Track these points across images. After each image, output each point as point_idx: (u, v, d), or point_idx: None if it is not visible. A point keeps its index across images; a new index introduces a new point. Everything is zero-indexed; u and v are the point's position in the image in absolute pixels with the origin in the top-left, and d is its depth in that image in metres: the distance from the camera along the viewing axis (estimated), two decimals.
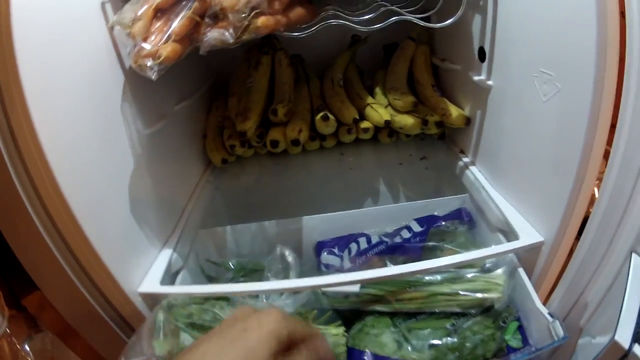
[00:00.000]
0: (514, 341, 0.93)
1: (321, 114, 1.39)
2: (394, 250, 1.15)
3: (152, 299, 0.96)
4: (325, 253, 1.20)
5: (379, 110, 1.39)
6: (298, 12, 1.02)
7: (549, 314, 0.88)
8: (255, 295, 0.94)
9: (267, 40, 1.45)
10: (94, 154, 0.87)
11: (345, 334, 0.95)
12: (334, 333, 0.93)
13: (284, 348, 0.61)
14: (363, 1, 1.29)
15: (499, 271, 0.97)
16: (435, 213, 1.24)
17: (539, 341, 0.90)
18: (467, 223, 1.20)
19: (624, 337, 0.67)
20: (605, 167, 0.75)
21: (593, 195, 0.81)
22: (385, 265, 0.98)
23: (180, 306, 0.92)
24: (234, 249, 1.27)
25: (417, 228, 1.20)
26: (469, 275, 0.97)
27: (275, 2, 0.93)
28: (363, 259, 1.14)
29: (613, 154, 0.73)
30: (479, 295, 0.94)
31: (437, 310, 0.96)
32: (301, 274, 1.01)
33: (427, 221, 1.21)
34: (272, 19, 0.91)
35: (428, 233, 1.18)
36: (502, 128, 1.13)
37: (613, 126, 0.73)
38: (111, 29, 0.94)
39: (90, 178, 0.85)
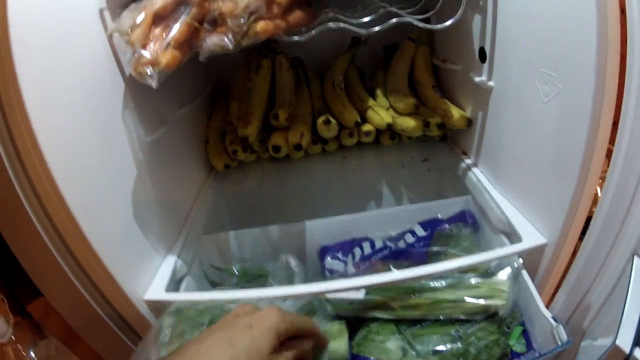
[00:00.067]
0: (518, 346, 0.93)
1: (323, 118, 1.39)
2: (398, 256, 1.15)
3: (158, 306, 0.96)
4: (329, 258, 1.20)
5: (380, 113, 1.39)
6: (297, 15, 1.01)
7: (553, 318, 0.88)
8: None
9: (267, 43, 1.45)
10: (96, 161, 0.87)
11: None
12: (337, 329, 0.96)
13: (282, 341, 0.71)
14: (362, 2, 1.28)
15: (504, 277, 0.97)
16: (439, 216, 1.24)
17: (543, 345, 0.90)
18: (471, 225, 1.20)
19: (625, 341, 0.67)
20: (608, 166, 0.74)
21: (596, 194, 0.81)
22: (389, 271, 0.98)
23: (187, 309, 0.91)
24: (237, 254, 1.27)
25: (421, 232, 1.20)
26: (473, 281, 0.97)
27: (273, 6, 0.93)
28: (367, 264, 1.14)
29: (615, 154, 0.72)
30: (483, 302, 0.94)
31: (441, 318, 0.96)
32: (305, 280, 1.01)
33: (431, 225, 1.21)
34: (271, 23, 0.91)
35: (432, 237, 1.18)
36: (503, 129, 1.12)
37: (615, 123, 0.73)
38: (110, 37, 0.94)
39: (92, 184, 0.85)
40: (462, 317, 0.94)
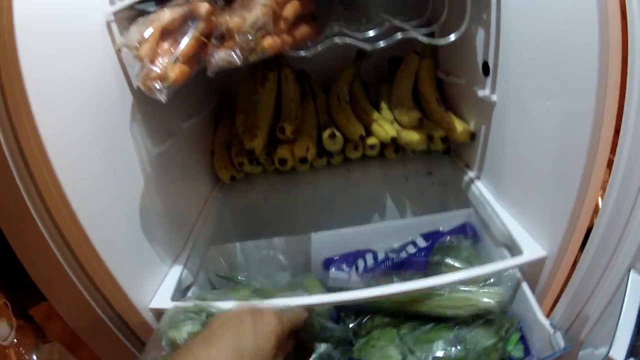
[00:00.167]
0: (516, 352, 0.94)
1: (328, 131, 1.40)
2: (400, 267, 1.16)
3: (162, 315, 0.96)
4: (333, 269, 1.21)
5: (384, 127, 1.40)
6: (303, 30, 1.02)
7: (551, 324, 0.89)
8: None
9: (273, 56, 1.46)
10: (103, 170, 0.89)
11: None
12: None
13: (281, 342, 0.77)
14: (367, 16, 1.30)
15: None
16: (440, 228, 1.25)
17: (541, 351, 0.91)
18: (472, 237, 1.21)
19: (618, 353, 0.68)
20: (609, 175, 0.75)
21: (597, 205, 0.82)
22: (391, 282, 0.99)
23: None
24: (243, 266, 1.28)
25: (422, 243, 1.21)
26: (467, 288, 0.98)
27: (280, 21, 0.94)
28: (370, 276, 1.15)
29: (616, 164, 0.73)
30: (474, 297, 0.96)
31: (430, 313, 0.98)
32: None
33: (433, 236, 1.22)
34: (278, 39, 0.92)
35: (433, 248, 1.18)
36: (506, 142, 1.13)
37: (617, 131, 0.74)
38: (118, 50, 0.95)
39: (99, 193, 0.87)
40: (452, 314, 0.96)
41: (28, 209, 0.76)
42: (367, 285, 0.96)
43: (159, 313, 0.96)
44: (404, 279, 0.97)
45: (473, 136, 1.32)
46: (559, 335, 0.86)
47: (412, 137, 1.37)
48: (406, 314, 1.01)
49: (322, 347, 0.97)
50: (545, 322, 0.90)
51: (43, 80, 0.75)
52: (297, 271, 1.23)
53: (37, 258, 0.82)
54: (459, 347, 0.91)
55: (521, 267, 1.01)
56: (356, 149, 1.46)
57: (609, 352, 0.68)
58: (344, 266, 1.21)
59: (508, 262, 0.99)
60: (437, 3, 1.24)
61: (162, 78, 0.86)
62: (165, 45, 0.90)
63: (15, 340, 0.93)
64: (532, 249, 0.97)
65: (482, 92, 1.18)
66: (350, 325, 1.04)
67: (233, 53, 0.88)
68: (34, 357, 0.96)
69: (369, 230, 1.29)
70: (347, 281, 1.16)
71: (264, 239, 1.28)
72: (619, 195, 0.73)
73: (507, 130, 1.12)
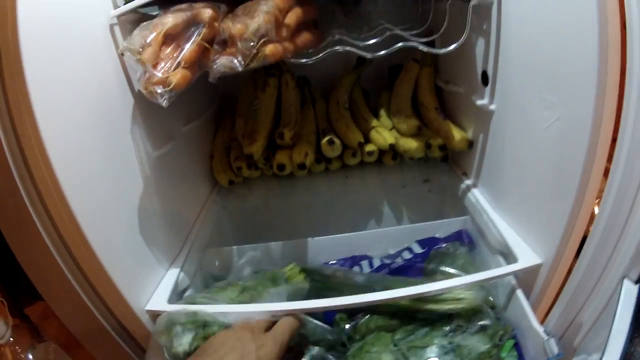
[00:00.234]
0: (510, 358, 0.94)
1: (327, 138, 1.41)
2: (396, 274, 1.16)
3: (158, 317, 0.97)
4: None
5: (383, 134, 1.41)
6: (305, 37, 1.03)
7: (545, 331, 0.90)
8: None
9: (274, 63, 1.46)
10: (103, 172, 0.89)
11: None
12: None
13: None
14: (368, 24, 1.30)
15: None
16: (437, 235, 1.26)
17: (535, 358, 0.92)
18: (467, 245, 1.22)
19: None
20: (605, 184, 0.76)
21: (593, 213, 0.82)
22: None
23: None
24: (240, 269, 1.28)
25: (418, 249, 1.22)
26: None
27: (282, 29, 0.94)
28: None
29: (613, 173, 0.74)
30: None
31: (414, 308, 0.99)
32: None
33: (429, 243, 1.23)
34: (280, 46, 0.93)
35: (429, 254, 1.19)
36: (503, 152, 1.14)
37: (614, 140, 0.74)
38: (121, 54, 0.96)
39: (99, 195, 0.88)
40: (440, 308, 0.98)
41: (27, 209, 0.76)
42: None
43: (155, 315, 0.97)
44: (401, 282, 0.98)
45: (471, 144, 1.33)
46: (552, 342, 0.87)
47: (410, 144, 1.38)
48: (399, 315, 1.02)
49: (315, 350, 0.97)
50: (540, 329, 0.91)
51: (45, 82, 0.75)
52: None
53: (35, 258, 0.82)
54: (453, 354, 0.91)
55: (516, 274, 1.01)
56: (354, 156, 1.47)
57: (601, 359, 0.69)
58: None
59: (503, 269, 1.00)
60: (438, 12, 1.24)
61: (164, 83, 0.86)
62: (168, 50, 0.91)
63: (11, 339, 0.93)
64: (527, 257, 0.98)
65: (481, 101, 1.18)
66: (346, 327, 1.05)
67: (235, 59, 0.88)
68: (30, 357, 0.96)
69: (366, 236, 1.30)
70: None
71: (261, 243, 1.28)
72: (615, 204, 0.74)
73: (504, 139, 1.12)
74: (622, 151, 0.72)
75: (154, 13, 1.03)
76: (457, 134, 1.35)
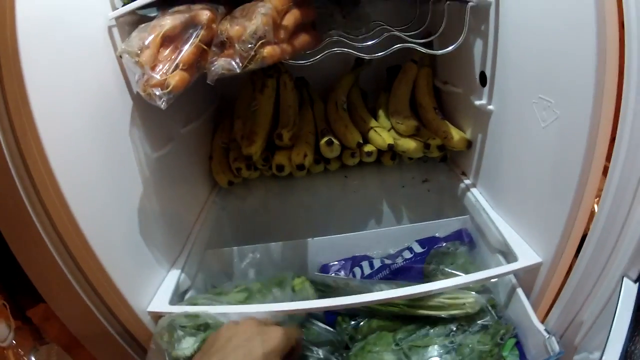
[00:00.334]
0: (511, 357, 0.95)
1: (326, 139, 1.41)
2: (396, 275, 1.16)
3: (160, 318, 0.97)
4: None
5: (382, 134, 1.41)
6: (303, 39, 1.03)
7: (546, 330, 0.90)
8: None
9: (272, 64, 1.46)
10: (102, 174, 0.90)
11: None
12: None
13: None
14: (366, 25, 1.30)
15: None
16: (437, 234, 1.26)
17: (536, 357, 0.92)
18: (467, 244, 1.22)
19: (611, 358, 0.69)
20: (604, 183, 0.76)
21: (592, 211, 0.83)
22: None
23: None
24: (240, 270, 1.28)
25: (418, 249, 1.22)
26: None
27: (280, 30, 0.94)
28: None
29: (611, 171, 0.74)
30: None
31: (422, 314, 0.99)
32: None
33: (429, 242, 1.23)
34: (277, 48, 0.92)
35: (429, 254, 1.19)
36: (502, 151, 1.14)
37: (613, 139, 0.75)
38: (119, 56, 0.96)
39: (99, 197, 0.88)
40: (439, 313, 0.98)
41: (27, 210, 0.77)
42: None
43: (157, 316, 0.97)
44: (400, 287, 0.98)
45: (470, 144, 1.33)
46: (553, 340, 0.87)
47: (409, 144, 1.38)
48: (400, 317, 1.02)
49: (318, 352, 0.97)
50: (540, 328, 0.91)
51: (44, 84, 0.75)
52: None
53: (36, 260, 0.82)
54: (454, 353, 0.92)
55: (516, 273, 1.02)
56: (353, 156, 1.47)
57: (602, 357, 0.69)
58: (342, 274, 1.22)
59: (504, 268, 1.01)
60: (436, 14, 1.25)
61: (162, 85, 0.86)
62: (166, 52, 0.91)
63: (13, 341, 0.93)
64: (527, 256, 0.98)
65: (479, 102, 1.19)
66: (347, 328, 1.05)
67: (233, 61, 0.88)
68: (32, 359, 0.96)
69: (365, 236, 1.30)
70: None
71: (261, 244, 1.28)
72: (614, 202, 0.74)
73: (503, 139, 1.13)
74: (620, 150, 0.72)
75: (152, 15, 1.02)
76: (455, 134, 1.35)
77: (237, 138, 1.48)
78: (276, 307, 0.95)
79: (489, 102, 1.16)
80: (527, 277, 1.00)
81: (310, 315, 1.02)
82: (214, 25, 0.93)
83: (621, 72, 0.71)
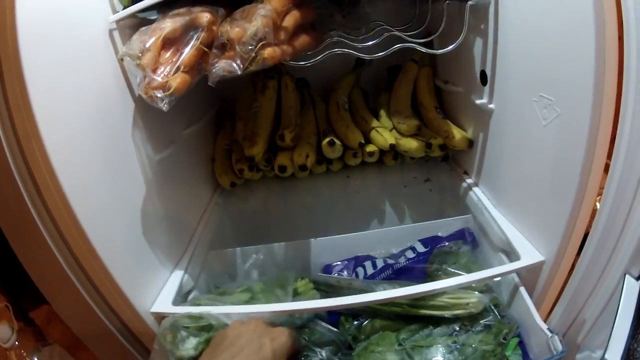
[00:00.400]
0: (514, 356, 0.94)
1: (327, 139, 1.41)
2: (399, 274, 1.16)
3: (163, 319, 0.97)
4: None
5: (384, 134, 1.41)
6: (303, 40, 1.03)
7: (548, 329, 0.90)
8: None
9: (272, 66, 1.46)
10: (105, 176, 0.90)
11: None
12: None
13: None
14: (367, 24, 1.31)
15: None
16: (439, 234, 1.26)
17: (539, 356, 0.92)
18: (470, 243, 1.22)
19: (613, 356, 0.69)
20: (606, 180, 0.76)
21: (594, 209, 0.83)
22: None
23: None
24: (243, 271, 1.29)
25: (421, 249, 1.22)
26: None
27: (280, 32, 0.94)
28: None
29: (613, 169, 0.74)
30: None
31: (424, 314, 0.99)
32: None
33: (431, 242, 1.23)
34: (278, 50, 0.93)
35: (431, 254, 1.20)
36: (503, 150, 1.14)
37: (613, 138, 0.75)
38: (121, 60, 0.96)
39: (101, 199, 0.88)
40: (442, 314, 0.98)
41: (30, 213, 0.77)
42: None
43: (160, 317, 0.97)
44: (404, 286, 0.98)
45: (471, 143, 1.33)
46: (556, 339, 0.87)
47: (411, 144, 1.39)
48: (403, 317, 1.02)
49: (320, 352, 0.97)
50: (543, 327, 0.91)
51: (46, 87, 0.76)
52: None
53: (39, 262, 0.82)
54: (457, 353, 0.92)
55: (519, 272, 1.02)
56: (355, 156, 1.47)
57: (604, 355, 0.69)
58: (345, 274, 1.22)
59: (506, 267, 1.01)
60: (435, 13, 1.25)
61: (163, 87, 0.87)
62: (167, 54, 0.91)
63: (16, 342, 0.94)
64: (530, 254, 0.98)
65: (480, 101, 1.19)
66: (349, 328, 1.05)
67: (233, 63, 0.88)
68: None
69: (368, 237, 1.30)
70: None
71: (263, 245, 1.28)
72: (615, 200, 0.74)
73: (504, 138, 1.13)
74: (621, 148, 0.72)
75: (153, 18, 1.03)
76: (457, 134, 1.36)
77: (239, 139, 1.48)
78: (279, 307, 0.96)
79: (490, 100, 1.16)
80: (529, 276, 1.00)
81: (314, 315, 1.02)
82: (214, 28, 0.93)
83: (620, 70, 0.71)
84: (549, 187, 0.94)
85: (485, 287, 1.02)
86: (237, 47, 0.88)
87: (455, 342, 0.94)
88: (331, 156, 1.46)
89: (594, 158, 0.79)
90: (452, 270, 1.09)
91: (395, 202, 1.53)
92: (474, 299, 0.96)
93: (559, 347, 0.86)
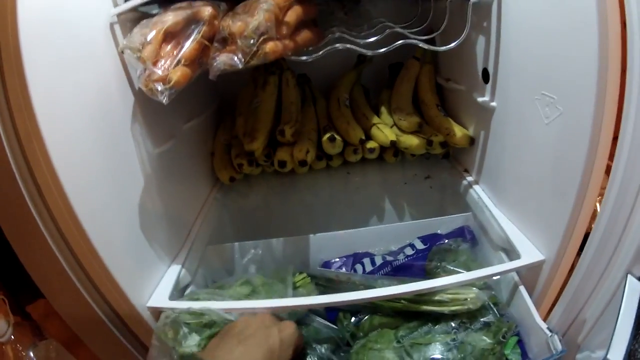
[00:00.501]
0: (513, 355, 0.94)
1: (328, 135, 1.40)
2: (398, 272, 1.16)
3: (160, 314, 0.97)
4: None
5: (384, 131, 1.41)
6: (305, 35, 1.03)
7: (548, 328, 0.90)
8: None
9: (274, 61, 1.46)
10: (103, 170, 0.89)
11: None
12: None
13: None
14: (369, 21, 1.30)
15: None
16: (439, 231, 1.26)
17: (538, 355, 0.92)
18: (470, 241, 1.22)
19: (616, 356, 0.69)
20: (607, 182, 0.76)
21: (595, 210, 0.82)
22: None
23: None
24: (241, 266, 1.28)
25: (420, 246, 1.22)
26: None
27: (282, 27, 0.94)
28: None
29: (614, 170, 0.74)
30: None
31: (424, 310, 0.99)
32: None
33: (431, 239, 1.23)
34: (280, 44, 0.92)
35: (430, 251, 1.19)
36: (505, 148, 1.14)
37: (615, 138, 0.75)
38: (121, 52, 0.96)
39: (100, 193, 0.87)
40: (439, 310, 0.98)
41: (28, 206, 0.76)
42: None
43: (156, 312, 0.97)
44: (402, 283, 0.98)
45: (472, 141, 1.33)
46: (555, 338, 0.87)
47: (412, 141, 1.38)
48: (402, 314, 1.02)
49: (319, 350, 0.97)
50: (543, 326, 0.91)
51: (45, 80, 0.75)
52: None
53: (36, 255, 0.82)
54: (456, 351, 0.91)
55: (519, 271, 1.02)
56: (356, 153, 1.46)
57: (606, 355, 0.69)
58: (344, 270, 1.22)
59: (506, 266, 1.00)
60: (438, 10, 1.25)
61: (164, 80, 0.87)
62: (168, 47, 0.91)
63: (12, 337, 0.93)
64: (530, 253, 0.98)
65: (482, 98, 1.19)
66: (348, 325, 1.05)
67: (235, 57, 0.88)
68: (31, 354, 0.96)
69: (367, 233, 1.30)
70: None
71: (262, 240, 1.28)
72: (617, 201, 0.74)
73: (506, 136, 1.13)
74: (623, 149, 0.72)
75: (154, 12, 1.02)
76: (458, 131, 1.35)
77: (239, 135, 1.48)
78: (278, 303, 0.96)
79: (492, 98, 1.15)
80: (529, 275, 1.00)
81: (311, 311, 1.02)
82: (215, 22, 0.93)
83: (624, 70, 0.71)
84: (550, 186, 0.93)
85: (485, 285, 1.02)
86: (238, 41, 0.88)
87: (454, 339, 0.94)
88: (331, 152, 1.45)
89: (595, 157, 0.79)
90: (451, 268, 1.09)
91: (395, 199, 1.53)
92: (472, 295, 0.96)
93: (559, 346, 0.86)
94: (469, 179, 1.37)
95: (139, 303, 0.95)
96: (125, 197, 0.97)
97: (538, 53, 0.92)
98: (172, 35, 0.92)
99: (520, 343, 0.96)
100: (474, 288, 0.98)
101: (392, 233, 1.28)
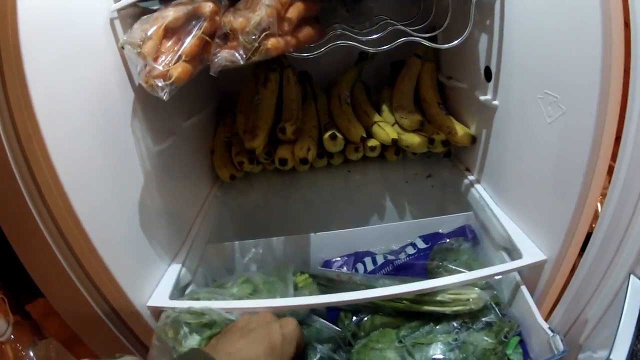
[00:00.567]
0: (515, 355, 0.94)
1: (329, 133, 1.40)
2: (399, 271, 1.16)
3: (160, 313, 0.97)
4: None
5: (386, 129, 1.40)
6: (307, 32, 1.02)
7: (550, 328, 0.90)
8: None
9: (275, 57, 1.45)
10: (103, 168, 0.89)
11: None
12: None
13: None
14: (370, 19, 1.30)
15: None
16: (440, 230, 1.25)
17: (540, 355, 0.92)
18: (471, 240, 1.21)
19: (619, 357, 0.68)
20: (609, 182, 0.76)
21: (597, 211, 0.82)
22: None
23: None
24: (241, 265, 1.28)
25: (421, 245, 1.21)
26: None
27: (284, 23, 0.94)
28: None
29: (616, 172, 0.74)
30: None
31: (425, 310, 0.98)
32: None
33: (432, 238, 1.22)
34: (282, 40, 0.92)
35: (432, 250, 1.19)
36: (506, 147, 1.14)
37: (618, 138, 0.74)
38: (121, 47, 0.95)
39: (99, 191, 0.87)
40: (440, 310, 0.97)
41: (27, 205, 0.76)
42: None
43: (157, 311, 0.97)
44: (404, 282, 0.98)
45: (474, 140, 1.33)
46: (557, 338, 0.87)
47: (413, 139, 1.38)
48: (403, 313, 1.01)
49: (320, 349, 0.97)
50: (544, 326, 0.91)
51: (45, 76, 0.75)
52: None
53: (36, 254, 0.82)
54: (458, 350, 0.91)
55: (520, 271, 1.01)
56: (357, 151, 1.46)
57: (609, 355, 0.69)
58: (345, 270, 1.22)
59: (508, 265, 1.00)
60: (440, 8, 1.24)
61: (164, 76, 0.86)
62: (169, 43, 0.90)
63: (12, 336, 0.93)
64: (531, 253, 0.98)
65: (484, 97, 1.18)
66: (349, 325, 1.04)
67: (236, 53, 0.88)
68: (31, 354, 0.96)
69: (368, 232, 1.30)
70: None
71: (262, 239, 1.28)
72: (619, 202, 0.74)
73: (507, 135, 1.12)
74: (626, 149, 0.72)
75: (155, 7, 1.02)
76: (460, 130, 1.35)
77: (239, 132, 1.47)
78: (279, 303, 0.96)
79: (494, 97, 1.15)
80: (531, 275, 0.99)
81: (313, 311, 1.02)
82: (217, 18, 0.93)
83: (627, 70, 0.71)
84: (552, 186, 0.93)
85: (486, 284, 1.02)
86: (240, 37, 0.88)
87: (455, 339, 0.93)
88: (332, 150, 1.45)
89: (598, 157, 0.78)
90: (453, 267, 1.09)
91: (396, 197, 1.52)
92: (474, 295, 0.96)
93: (560, 346, 0.85)
94: (471, 177, 1.37)
95: (139, 302, 0.94)
96: (125, 195, 0.96)
97: (541, 52, 0.92)
98: (172, 31, 0.91)
99: (522, 343, 0.96)
100: (476, 288, 0.97)
101: (393, 232, 1.28)
